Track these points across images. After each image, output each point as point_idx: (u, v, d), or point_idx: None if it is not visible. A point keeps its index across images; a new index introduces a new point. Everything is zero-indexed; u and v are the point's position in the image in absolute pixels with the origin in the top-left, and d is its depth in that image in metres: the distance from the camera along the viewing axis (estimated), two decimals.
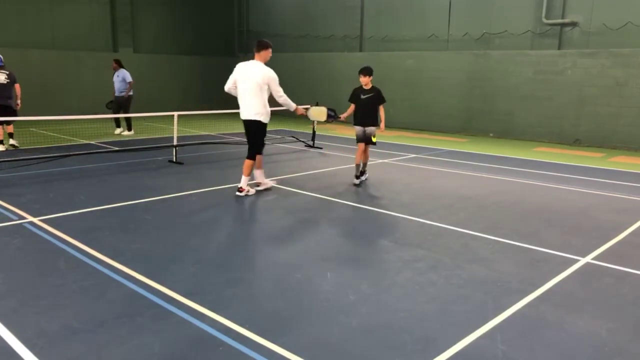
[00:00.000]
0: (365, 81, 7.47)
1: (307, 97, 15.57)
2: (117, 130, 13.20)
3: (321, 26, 18.45)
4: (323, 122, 7.45)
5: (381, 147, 11.89)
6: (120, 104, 13.01)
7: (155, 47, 18.70)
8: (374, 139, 7.70)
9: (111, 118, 13.40)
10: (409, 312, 3.66)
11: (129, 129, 13.26)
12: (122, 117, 12.91)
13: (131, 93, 13.12)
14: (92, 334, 3.25)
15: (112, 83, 13.17)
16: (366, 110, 7.55)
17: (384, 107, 7.63)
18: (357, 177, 7.69)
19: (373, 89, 7.51)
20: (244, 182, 6.81)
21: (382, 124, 7.69)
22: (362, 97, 7.51)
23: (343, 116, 7.67)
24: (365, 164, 7.92)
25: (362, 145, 7.64)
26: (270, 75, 6.61)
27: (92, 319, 3.44)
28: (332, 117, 7.75)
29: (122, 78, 13.00)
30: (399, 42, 16.30)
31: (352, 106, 7.66)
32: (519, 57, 13.86)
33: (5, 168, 8.04)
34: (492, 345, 3.23)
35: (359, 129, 7.67)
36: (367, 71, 7.46)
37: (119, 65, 13.23)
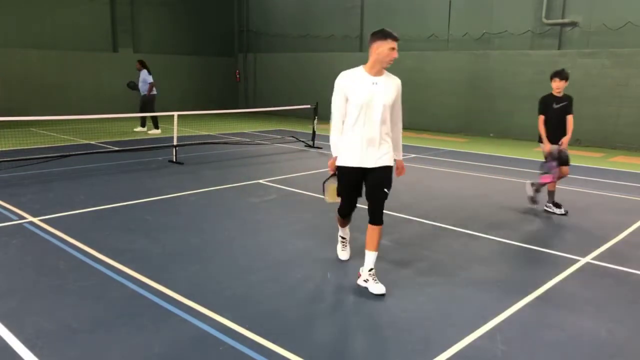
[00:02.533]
0: (560, 87, 6.17)
1: (307, 97, 15.57)
2: (138, 128, 13.68)
3: (321, 26, 18.44)
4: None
5: None
6: (144, 103, 13.38)
7: (155, 47, 18.68)
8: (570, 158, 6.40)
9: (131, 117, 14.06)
10: (409, 312, 3.66)
11: (156, 127, 13.44)
12: (146, 116, 13.47)
13: (154, 92, 13.39)
14: (92, 334, 3.25)
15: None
16: (559, 122, 6.24)
17: (572, 118, 6.31)
18: (555, 206, 6.49)
19: (565, 96, 6.26)
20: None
21: (568, 137, 6.29)
22: (555, 106, 6.23)
23: (547, 148, 6.26)
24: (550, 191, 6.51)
25: (557, 170, 6.36)
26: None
27: (92, 319, 3.44)
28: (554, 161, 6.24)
29: (142, 79, 13.26)
30: (399, 42, 16.27)
31: (542, 119, 6.34)
32: (519, 57, 13.85)
33: (5, 168, 8.04)
34: (492, 345, 3.24)
35: (552, 147, 6.30)
36: (564, 75, 6.16)
37: (142, 66, 13.43)
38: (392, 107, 3.91)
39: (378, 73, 3.90)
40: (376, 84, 3.86)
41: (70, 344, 3.14)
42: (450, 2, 15.17)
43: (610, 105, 12.49)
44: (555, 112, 6.25)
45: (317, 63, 18.45)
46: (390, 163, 3.99)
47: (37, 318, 3.44)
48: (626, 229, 5.81)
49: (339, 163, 4.02)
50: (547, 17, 13.32)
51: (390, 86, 3.91)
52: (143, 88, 13.27)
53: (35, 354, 3.00)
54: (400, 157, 4.20)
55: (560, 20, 13.16)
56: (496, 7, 14.37)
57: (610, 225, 5.92)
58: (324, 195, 4.44)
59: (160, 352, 3.06)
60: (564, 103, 6.23)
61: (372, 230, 4.03)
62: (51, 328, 3.31)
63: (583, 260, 4.77)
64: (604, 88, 12.50)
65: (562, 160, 6.31)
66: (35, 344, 3.11)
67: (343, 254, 4.69)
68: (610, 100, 12.47)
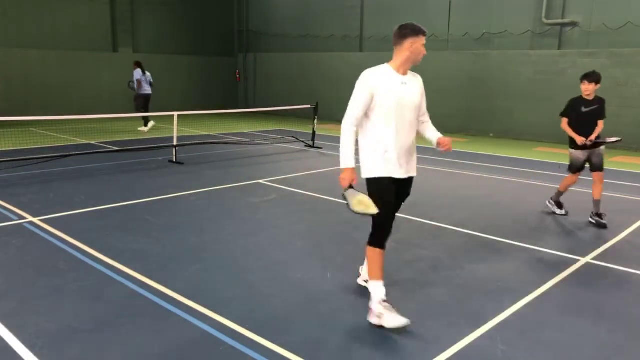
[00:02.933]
0: (589, 90, 5.88)
1: (307, 98, 15.58)
2: (141, 128, 13.89)
3: (321, 26, 18.44)
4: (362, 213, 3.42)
5: None
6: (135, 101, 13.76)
7: (155, 47, 18.69)
8: (604, 162, 6.07)
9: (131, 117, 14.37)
10: (409, 312, 3.66)
11: (145, 125, 13.83)
12: (147, 115, 13.72)
13: (143, 92, 13.50)
14: (92, 334, 3.25)
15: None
16: (588, 127, 5.89)
17: (603, 122, 5.98)
18: (598, 216, 5.96)
19: (597, 99, 5.97)
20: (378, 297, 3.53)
21: (593, 136, 5.86)
22: (584, 109, 5.90)
23: (591, 138, 5.90)
24: (599, 201, 6.04)
25: (578, 175, 6.15)
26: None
27: (92, 319, 3.44)
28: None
29: (135, 79, 13.53)
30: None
31: (565, 121, 6.05)
32: (519, 57, 13.85)
33: (5, 168, 8.04)
34: (492, 345, 3.23)
35: (579, 153, 6.03)
36: (594, 77, 5.84)
37: (137, 66, 13.64)
38: (420, 107, 3.69)
39: (406, 72, 3.53)
40: (405, 83, 3.49)
41: (70, 344, 3.14)
42: (450, 2, 15.18)
43: (610, 105, 12.34)
44: (583, 116, 5.89)
45: (317, 63, 18.45)
46: (416, 173, 3.71)
47: (37, 318, 3.44)
48: (626, 229, 5.81)
49: (375, 174, 3.48)
50: (547, 17, 13.32)
51: (417, 86, 3.60)
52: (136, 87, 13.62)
53: (35, 354, 3.00)
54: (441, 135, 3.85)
55: (560, 20, 13.16)
56: (496, 7, 14.37)
57: (611, 225, 5.91)
58: (349, 205, 3.39)
59: (160, 352, 3.06)
60: (595, 107, 5.89)
61: (372, 253, 3.64)
62: (51, 328, 3.31)
63: (583, 260, 4.77)
64: (604, 88, 12.33)
65: (593, 165, 6.03)
66: (35, 344, 3.11)
67: (399, 319, 3.39)
68: (610, 100, 12.34)
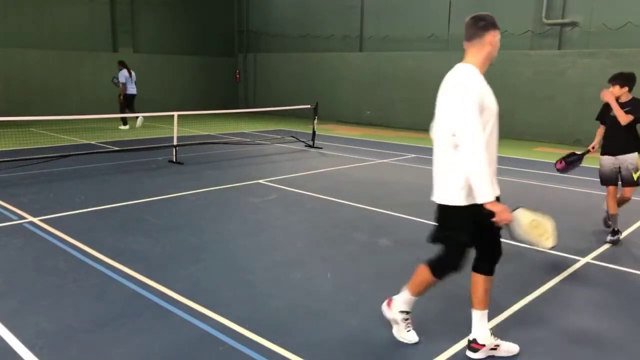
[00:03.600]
0: (616, 92, 5.31)
1: (307, 97, 15.57)
2: (137, 122, 14.23)
3: (321, 26, 18.43)
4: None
5: (381, 147, 11.88)
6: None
7: (155, 47, 18.68)
8: (635, 176, 5.29)
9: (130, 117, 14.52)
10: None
11: (124, 124, 14.36)
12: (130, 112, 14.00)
13: (128, 92, 14.02)
14: (92, 334, 3.25)
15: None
16: (618, 132, 5.28)
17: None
18: (615, 233, 5.33)
19: (630, 102, 5.27)
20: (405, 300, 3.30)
21: (596, 143, 5.56)
22: (612, 113, 5.30)
23: (593, 145, 5.68)
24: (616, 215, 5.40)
25: (612, 188, 5.36)
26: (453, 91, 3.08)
27: (92, 319, 3.44)
28: (574, 164, 5.68)
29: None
30: (399, 42, 16.29)
31: (601, 128, 5.60)
32: (519, 57, 13.84)
33: (5, 168, 8.04)
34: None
35: (608, 160, 5.40)
36: (616, 79, 5.33)
37: (121, 66, 14.05)
38: None
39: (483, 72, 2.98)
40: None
41: (70, 344, 3.14)
42: (450, 2, 15.17)
43: None
44: (611, 120, 5.33)
45: (317, 63, 18.45)
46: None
47: (37, 318, 3.44)
48: (626, 229, 5.81)
49: (476, 201, 2.88)
50: (547, 17, 13.32)
51: None
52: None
53: (35, 354, 3.00)
54: None
55: (560, 20, 13.16)
56: (496, 7, 14.33)
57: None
58: (519, 229, 3.04)
59: (160, 352, 3.06)
60: (625, 110, 5.23)
61: (487, 282, 3.17)
62: (51, 328, 3.31)
63: (583, 260, 4.77)
64: (604, 88, 12.49)
65: (623, 179, 5.36)
66: (35, 344, 3.11)
67: (410, 335, 3.23)
68: None
